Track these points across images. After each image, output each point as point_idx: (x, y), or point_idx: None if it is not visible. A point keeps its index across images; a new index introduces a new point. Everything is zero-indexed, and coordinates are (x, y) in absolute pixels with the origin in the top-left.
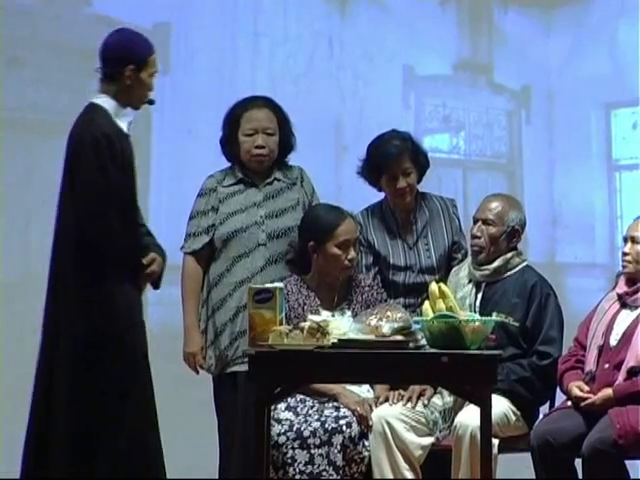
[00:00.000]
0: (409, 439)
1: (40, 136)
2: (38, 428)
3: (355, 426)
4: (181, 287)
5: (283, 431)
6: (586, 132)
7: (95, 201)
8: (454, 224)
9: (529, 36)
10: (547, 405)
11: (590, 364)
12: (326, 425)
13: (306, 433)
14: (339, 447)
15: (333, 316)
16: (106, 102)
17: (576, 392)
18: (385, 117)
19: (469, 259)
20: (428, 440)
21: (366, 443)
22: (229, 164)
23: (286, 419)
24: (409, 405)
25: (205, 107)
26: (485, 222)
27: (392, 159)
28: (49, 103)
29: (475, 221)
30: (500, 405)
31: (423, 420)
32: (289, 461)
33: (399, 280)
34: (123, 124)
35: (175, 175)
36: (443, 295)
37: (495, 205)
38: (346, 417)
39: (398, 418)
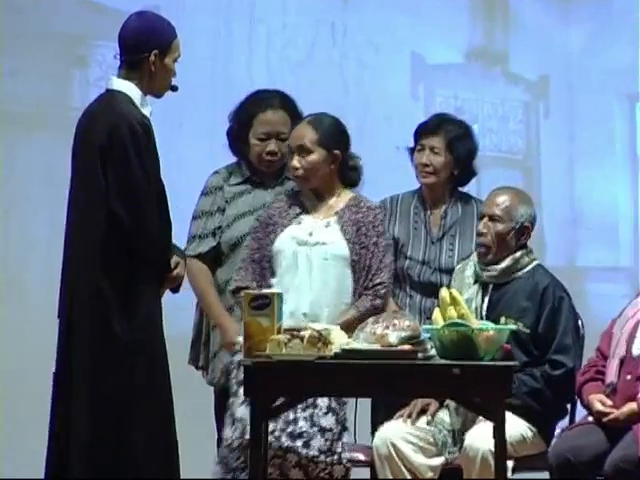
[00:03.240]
0: (418, 461)
1: (20, 129)
2: (59, 430)
3: (316, 443)
4: (194, 287)
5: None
6: (609, 126)
7: (138, 197)
8: None
9: (547, 22)
10: (566, 420)
11: (611, 375)
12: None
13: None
14: (294, 463)
15: (312, 228)
16: (130, 89)
17: (598, 406)
18: (392, 110)
19: (474, 257)
20: (438, 461)
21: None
22: (223, 160)
23: (241, 418)
24: (409, 422)
25: (197, 99)
26: (492, 218)
27: (426, 131)
28: (29, 94)
29: (481, 217)
30: (514, 423)
31: (431, 439)
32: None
33: (414, 274)
34: (146, 113)
35: (165, 172)
36: (454, 302)
37: (503, 199)
38: (303, 436)
39: (404, 439)
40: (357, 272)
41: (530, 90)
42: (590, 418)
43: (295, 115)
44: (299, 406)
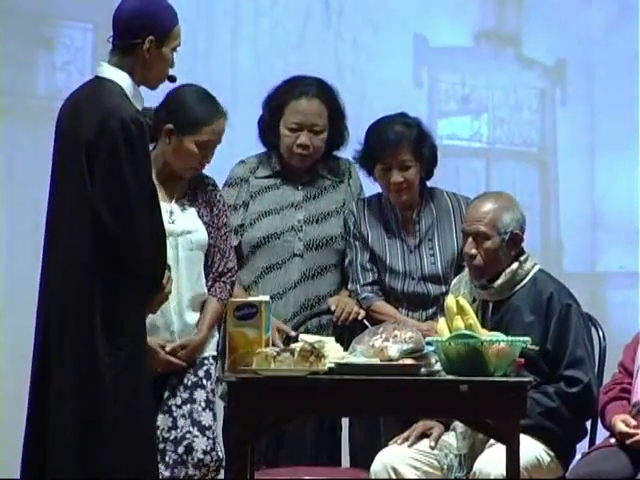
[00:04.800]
0: None
1: None
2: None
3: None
4: None
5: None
6: (633, 115)
7: (128, 204)
8: None
9: (565, 0)
10: (586, 443)
11: (638, 394)
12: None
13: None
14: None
15: (171, 213)
16: (121, 78)
17: (621, 427)
18: (392, 97)
19: (467, 275)
20: None
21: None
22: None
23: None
24: (405, 445)
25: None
26: (477, 236)
27: (388, 148)
28: None
29: (464, 235)
30: (529, 445)
31: (436, 464)
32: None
33: (397, 287)
34: (138, 106)
35: None
36: (462, 311)
37: (484, 212)
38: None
39: (407, 463)
40: (211, 256)
41: (546, 75)
42: (612, 440)
43: (333, 106)
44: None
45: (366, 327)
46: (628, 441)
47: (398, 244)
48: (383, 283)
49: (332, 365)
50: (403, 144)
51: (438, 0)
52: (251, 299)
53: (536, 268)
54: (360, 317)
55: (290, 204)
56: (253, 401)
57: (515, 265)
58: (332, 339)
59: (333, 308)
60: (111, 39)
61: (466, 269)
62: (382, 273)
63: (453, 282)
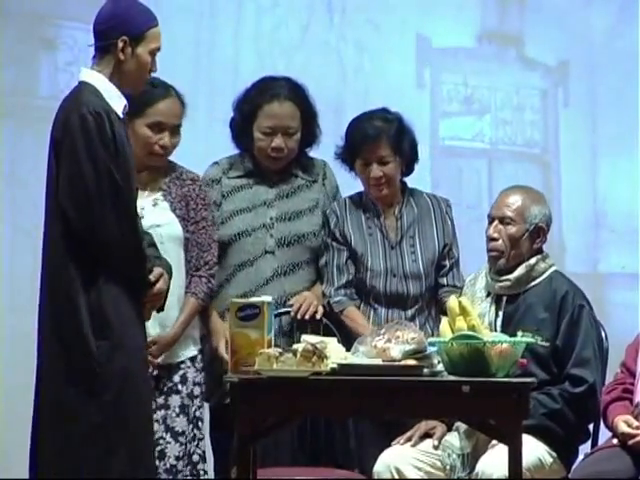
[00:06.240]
0: None
1: None
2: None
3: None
4: None
5: None
6: (635, 116)
7: (86, 197)
8: (447, 226)
9: (567, 1)
10: (589, 444)
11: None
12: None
13: None
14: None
15: (142, 209)
16: (97, 80)
17: (623, 428)
18: (395, 98)
19: (485, 268)
20: None
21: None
22: (206, 152)
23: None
24: (408, 445)
25: (178, 87)
26: (502, 221)
27: (367, 142)
28: None
29: (490, 220)
30: (531, 446)
31: (439, 464)
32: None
33: (378, 286)
34: (117, 107)
35: None
36: (464, 312)
37: (513, 200)
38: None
39: (410, 464)
40: (189, 250)
41: (548, 76)
42: (615, 441)
43: (305, 106)
44: None
45: (325, 325)
46: (630, 442)
47: (379, 241)
48: (363, 282)
49: (334, 366)
50: (381, 139)
51: (440, 1)
52: (253, 300)
53: (553, 268)
54: (318, 316)
55: (262, 202)
56: (255, 401)
57: (534, 260)
58: (334, 339)
59: (292, 302)
60: (93, 45)
61: (484, 266)
62: (363, 272)
63: (469, 278)
